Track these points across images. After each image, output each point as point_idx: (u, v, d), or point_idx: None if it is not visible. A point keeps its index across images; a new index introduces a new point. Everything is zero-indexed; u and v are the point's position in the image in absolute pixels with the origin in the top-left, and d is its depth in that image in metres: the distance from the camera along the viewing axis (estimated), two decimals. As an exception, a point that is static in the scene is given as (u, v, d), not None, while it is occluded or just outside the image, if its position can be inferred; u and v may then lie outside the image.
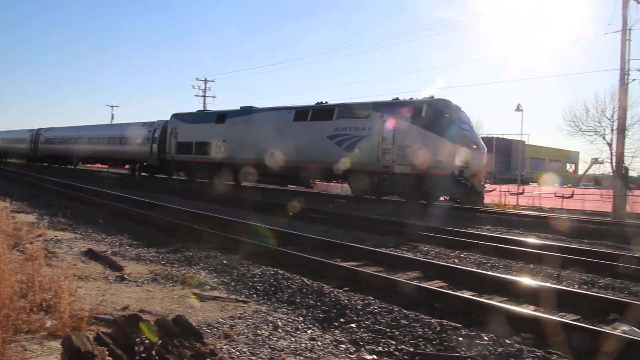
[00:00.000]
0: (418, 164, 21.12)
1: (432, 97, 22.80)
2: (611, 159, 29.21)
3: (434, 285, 7.70)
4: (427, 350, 4.85)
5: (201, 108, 52.61)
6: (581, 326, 5.79)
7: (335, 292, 6.50)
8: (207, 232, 11.41)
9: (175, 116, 35.95)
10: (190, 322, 4.50)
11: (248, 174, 28.39)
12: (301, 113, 26.63)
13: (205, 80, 61.94)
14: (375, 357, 4.70)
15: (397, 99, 23.65)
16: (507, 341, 5.05)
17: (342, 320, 5.63)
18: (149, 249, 9.56)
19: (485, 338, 5.05)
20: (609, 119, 33.38)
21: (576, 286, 8.52)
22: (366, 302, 6.11)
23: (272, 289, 6.83)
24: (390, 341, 5.04)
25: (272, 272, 7.54)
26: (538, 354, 4.75)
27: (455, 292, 7.19)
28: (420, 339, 5.09)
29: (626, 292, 8.47)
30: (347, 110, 24.84)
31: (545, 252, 10.99)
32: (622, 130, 26.06)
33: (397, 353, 4.78)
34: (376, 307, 5.91)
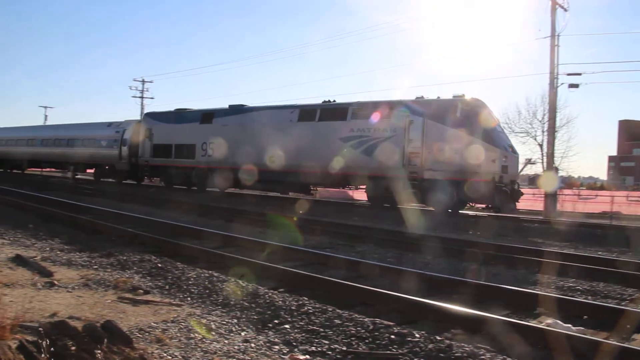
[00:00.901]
0: (453, 170, 19.46)
1: (463, 95, 20.56)
2: (542, 160, 30.24)
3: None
4: (360, 349, 4.92)
5: (139, 109, 51.49)
6: (508, 321, 6.00)
7: (270, 294, 6.52)
8: (143, 236, 11.29)
9: (150, 115, 32.95)
10: (121, 327, 4.44)
11: (241, 180, 25.65)
12: (307, 112, 24.12)
13: (143, 81, 60.74)
14: (308, 357, 4.74)
15: (422, 97, 21.45)
16: (438, 337, 5.19)
17: (276, 321, 5.65)
18: (81, 253, 9.31)
19: (417, 335, 5.17)
20: (540, 121, 34.60)
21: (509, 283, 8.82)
22: (300, 302, 6.15)
23: (207, 291, 6.78)
24: (324, 341, 5.09)
25: (207, 275, 7.49)
26: (467, 349, 4.88)
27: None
28: (354, 338, 5.16)
29: (553, 287, 8.84)
30: (365, 109, 22.35)
31: (477, 249, 11.43)
32: (552, 132, 27.10)
33: (330, 352, 4.83)
34: (310, 308, 5.96)
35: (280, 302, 6.20)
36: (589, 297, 8.16)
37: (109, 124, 35.76)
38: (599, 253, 12.95)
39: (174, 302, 6.32)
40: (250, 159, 24.85)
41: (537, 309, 7.12)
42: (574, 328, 6.18)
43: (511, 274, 9.85)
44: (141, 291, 6.74)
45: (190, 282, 7.18)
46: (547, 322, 6.31)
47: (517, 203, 20.79)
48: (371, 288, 7.22)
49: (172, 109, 31.40)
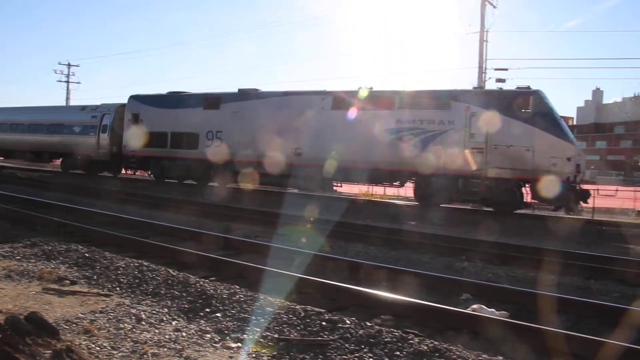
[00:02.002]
0: (523, 168, 17.89)
1: (529, 87, 18.97)
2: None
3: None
4: (292, 335, 4.98)
5: (65, 94, 49.57)
6: (434, 306, 6.20)
7: (202, 283, 6.49)
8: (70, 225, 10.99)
9: (137, 99, 28.41)
10: (46, 318, 4.33)
11: (258, 175, 22.66)
12: (343, 100, 21.45)
13: (69, 65, 58.65)
14: (240, 344, 4.76)
15: (481, 87, 19.87)
16: (368, 323, 5.31)
17: (207, 310, 5.64)
18: (3, 244, 8.95)
19: (347, 321, 5.27)
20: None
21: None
22: (232, 291, 6.15)
23: (137, 281, 6.68)
24: (256, 329, 5.12)
25: (136, 264, 7.37)
26: (396, 334, 5.01)
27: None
28: (285, 325, 5.21)
29: (483, 273, 9.23)
30: (415, 98, 20.21)
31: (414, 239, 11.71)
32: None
33: (262, 340, 4.86)
34: (242, 296, 5.98)
35: (211, 290, 6.17)
36: None
37: (83, 108, 31.77)
38: None
39: (102, 293, 6.19)
40: (268, 150, 22.07)
41: (463, 294, 7.41)
42: (497, 312, 6.45)
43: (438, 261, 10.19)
44: (68, 282, 6.56)
45: (119, 272, 7.04)
46: (473, 307, 6.55)
47: (583, 204, 18.86)
48: (302, 275, 7.30)
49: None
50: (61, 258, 7.89)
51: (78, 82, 64.08)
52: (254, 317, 5.40)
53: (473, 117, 18.61)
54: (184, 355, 4.37)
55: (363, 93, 20.99)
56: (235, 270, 7.86)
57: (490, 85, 26.86)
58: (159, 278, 6.72)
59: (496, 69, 27.51)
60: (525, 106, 18.28)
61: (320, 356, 4.52)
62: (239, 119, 23.76)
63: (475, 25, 27.88)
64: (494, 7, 27.46)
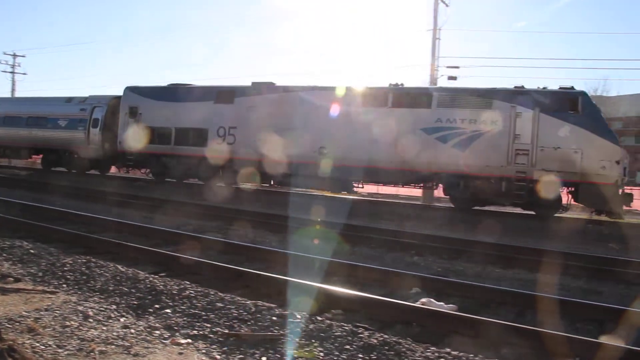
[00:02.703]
0: (571, 171, 17.25)
1: (573, 87, 18.40)
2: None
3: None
4: (242, 331, 4.97)
5: (11, 85, 47.93)
6: (383, 300, 6.29)
7: (151, 279, 6.41)
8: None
9: (134, 90, 25.67)
10: (-13, 317, 4.21)
11: (275, 174, 21.12)
12: (375, 97, 20.33)
13: (14, 55, 56.72)
14: (190, 340, 4.72)
15: (522, 87, 19.01)
16: (319, 318, 5.35)
17: (157, 306, 5.57)
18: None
19: (298, 316, 5.30)
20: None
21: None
22: (182, 287, 6.10)
23: (84, 277, 6.54)
24: (206, 324, 5.09)
25: (84, 261, 7.22)
26: (346, 328, 5.07)
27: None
28: (236, 321, 5.20)
29: (433, 267, 9.43)
30: (455, 96, 19.38)
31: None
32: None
33: (212, 336, 4.84)
34: (192, 292, 5.93)
35: (161, 286, 6.11)
36: None
37: (69, 99, 28.63)
38: None
39: (48, 290, 6.04)
40: (289, 149, 20.44)
41: (413, 288, 7.54)
42: (446, 305, 6.57)
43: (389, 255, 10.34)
44: (11, 279, 6.38)
45: (65, 269, 6.88)
46: (422, 301, 6.67)
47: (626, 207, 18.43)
48: (251, 270, 7.31)
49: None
50: (4, 255, 7.66)
51: (24, 74, 61.70)
52: (204, 313, 5.37)
53: (519, 118, 17.99)
54: (132, 352, 4.32)
55: (398, 90, 20.13)
56: (186, 266, 7.80)
57: (442, 82, 27.34)
58: (107, 274, 6.61)
59: (448, 67, 28.08)
60: (574, 107, 17.69)
61: (271, 351, 4.53)
62: (257, 115, 21.81)
63: (429, 23, 28.23)
64: (447, 5, 27.92)
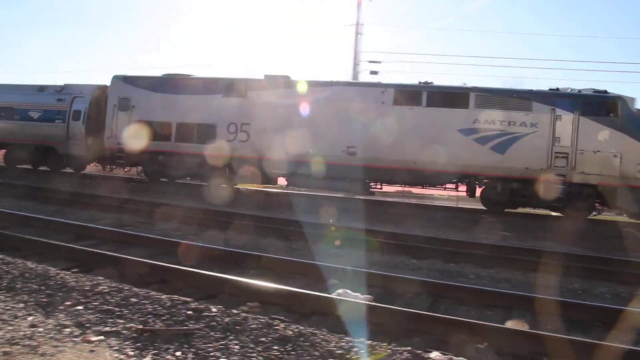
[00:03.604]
0: (612, 174, 17.45)
1: (606, 91, 18.48)
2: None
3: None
4: (157, 326, 4.92)
5: None
6: (300, 292, 6.40)
7: (62, 275, 6.23)
8: None
9: (125, 80, 23.08)
10: None
11: (292, 174, 20.23)
12: (408, 95, 19.57)
13: None
14: (102, 337, 4.63)
15: (558, 89, 18.94)
16: (235, 311, 5.37)
17: (68, 303, 5.42)
18: None
19: (214, 310, 5.30)
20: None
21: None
22: (95, 282, 5.97)
23: (-11, 275, 6.27)
24: (119, 320, 5.00)
25: (-9, 259, 6.92)
26: (262, 320, 5.11)
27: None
28: (150, 316, 5.14)
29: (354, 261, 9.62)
30: (494, 97, 18.94)
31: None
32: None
33: (125, 332, 4.76)
34: (106, 287, 5.82)
35: (73, 282, 5.95)
36: None
37: (41, 88, 25.12)
38: None
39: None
40: (312, 148, 19.56)
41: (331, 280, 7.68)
42: (361, 296, 6.73)
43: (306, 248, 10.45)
44: None
45: (-32, 267, 6.58)
46: (338, 292, 6.80)
47: None
48: (169, 265, 7.24)
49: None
50: None
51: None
52: (117, 309, 5.28)
53: (559, 120, 18.07)
54: (39, 352, 4.19)
55: (432, 89, 19.55)
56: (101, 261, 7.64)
57: (365, 77, 27.88)
58: (14, 272, 6.35)
59: (370, 62, 28.60)
60: (614, 111, 17.88)
61: (186, 345, 4.51)
62: (274, 111, 20.39)
63: (352, 18, 28.79)
64: (370, 0, 28.41)
